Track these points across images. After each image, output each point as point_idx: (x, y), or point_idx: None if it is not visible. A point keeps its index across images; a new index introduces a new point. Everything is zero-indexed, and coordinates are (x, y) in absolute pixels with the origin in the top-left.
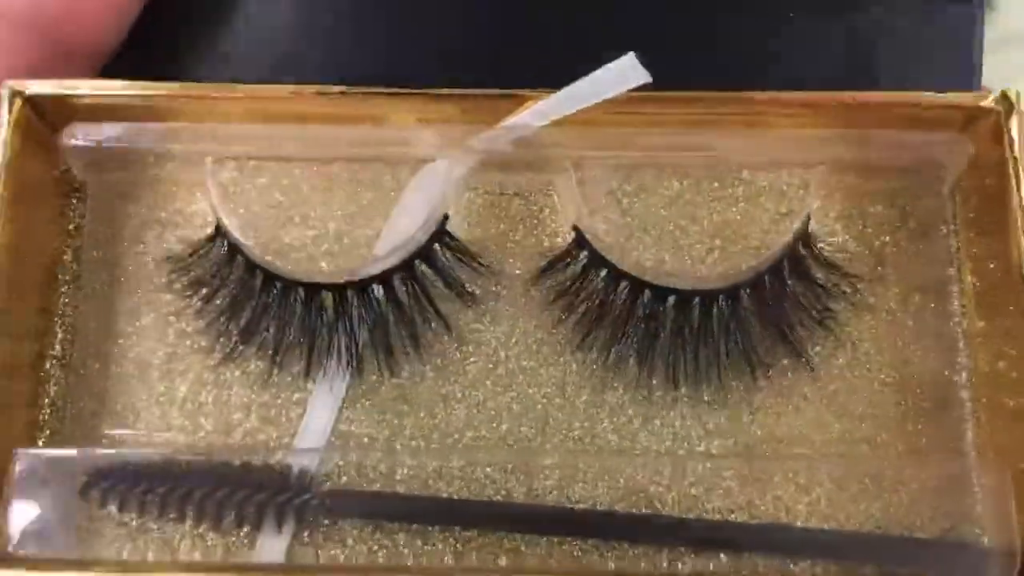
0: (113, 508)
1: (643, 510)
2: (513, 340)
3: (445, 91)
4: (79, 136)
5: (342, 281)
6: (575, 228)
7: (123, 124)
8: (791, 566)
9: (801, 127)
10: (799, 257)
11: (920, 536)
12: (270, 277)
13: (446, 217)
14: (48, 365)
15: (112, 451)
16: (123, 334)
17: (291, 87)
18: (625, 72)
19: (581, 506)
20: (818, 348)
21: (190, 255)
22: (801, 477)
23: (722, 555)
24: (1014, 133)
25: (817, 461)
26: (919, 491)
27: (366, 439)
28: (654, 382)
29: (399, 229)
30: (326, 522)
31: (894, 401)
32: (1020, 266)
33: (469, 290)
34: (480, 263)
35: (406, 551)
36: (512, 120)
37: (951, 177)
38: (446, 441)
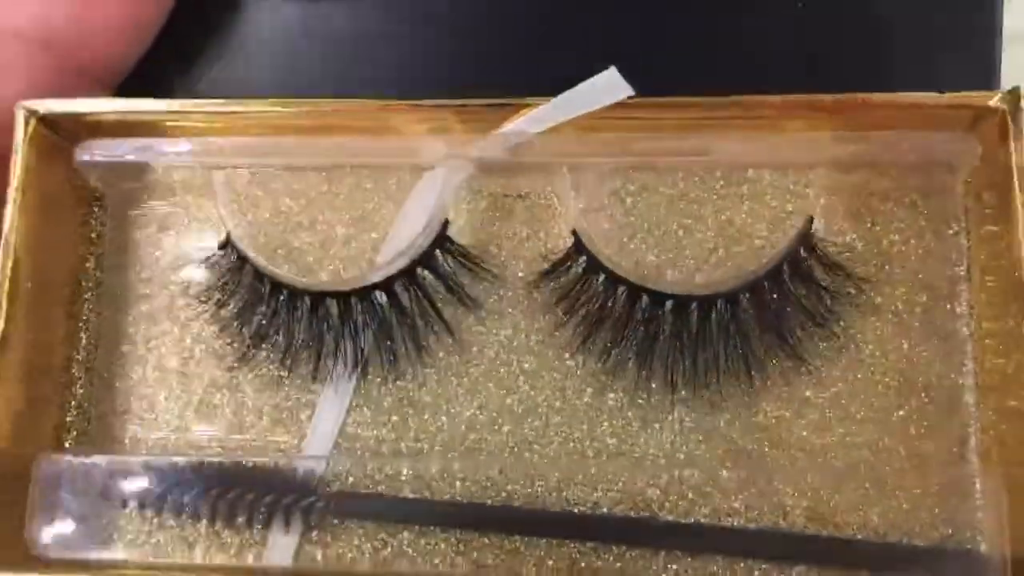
0: (133, 509)
1: (641, 513)
2: (515, 343)
3: (444, 101)
4: (93, 152)
5: (346, 289)
6: (574, 233)
7: (136, 140)
8: (787, 571)
9: (808, 128)
10: (800, 259)
11: (917, 543)
12: (277, 285)
13: (447, 223)
14: (74, 369)
15: (133, 458)
16: (142, 339)
17: (294, 101)
18: (608, 86)
19: (580, 509)
20: (820, 350)
21: (202, 263)
22: (800, 482)
23: (719, 559)
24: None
25: (816, 466)
26: (920, 496)
27: (372, 441)
28: (653, 385)
29: (401, 236)
30: (335, 521)
31: (897, 404)
32: (1021, 266)
33: (471, 294)
34: (482, 267)
35: (410, 551)
36: (506, 128)
37: (961, 176)
38: (449, 443)
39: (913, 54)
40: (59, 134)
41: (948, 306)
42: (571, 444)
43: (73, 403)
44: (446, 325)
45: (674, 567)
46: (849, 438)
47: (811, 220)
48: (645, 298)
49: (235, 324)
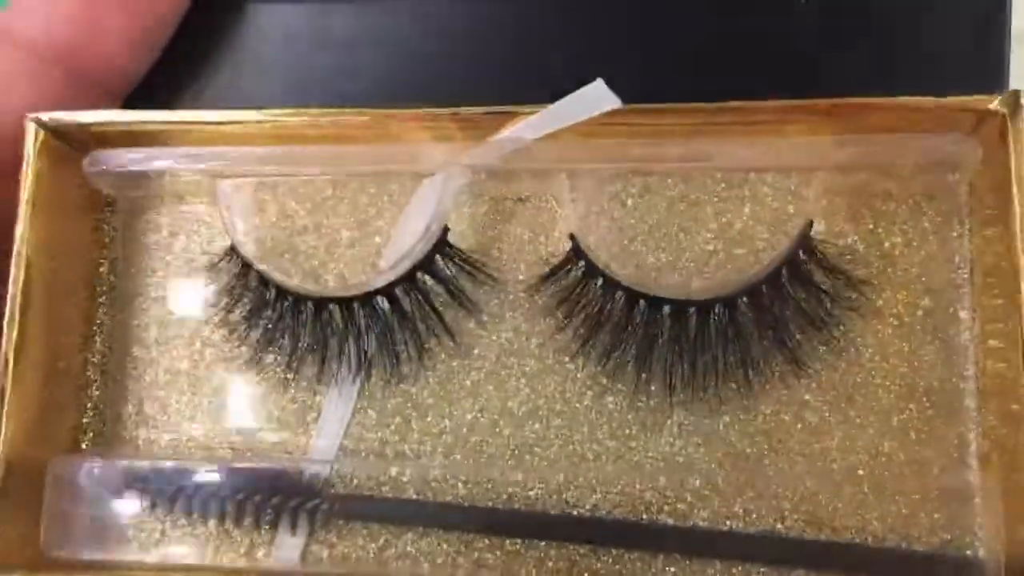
0: (146, 511)
1: (640, 516)
2: (515, 347)
3: (444, 109)
4: (102, 162)
5: (349, 294)
6: (572, 237)
7: (143, 149)
8: (785, 575)
9: (810, 132)
10: (799, 263)
11: (916, 548)
12: (282, 291)
13: (447, 228)
14: (89, 371)
15: (145, 461)
16: (154, 342)
17: (297, 111)
18: (596, 97)
19: (580, 511)
20: (820, 354)
21: (210, 268)
22: (799, 486)
23: (717, 563)
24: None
25: (815, 470)
26: (919, 501)
27: (376, 443)
28: (652, 389)
29: (402, 242)
30: (340, 521)
31: (897, 409)
32: (1017, 268)
33: (472, 298)
34: (482, 271)
35: (412, 551)
36: (500, 135)
37: (964, 178)
38: (451, 446)
39: (921, 55)
40: (68, 144)
41: (951, 310)
42: (571, 447)
43: (89, 405)
44: (447, 329)
45: (672, 570)
46: (848, 442)
47: (810, 223)
48: (643, 302)
49: (242, 328)
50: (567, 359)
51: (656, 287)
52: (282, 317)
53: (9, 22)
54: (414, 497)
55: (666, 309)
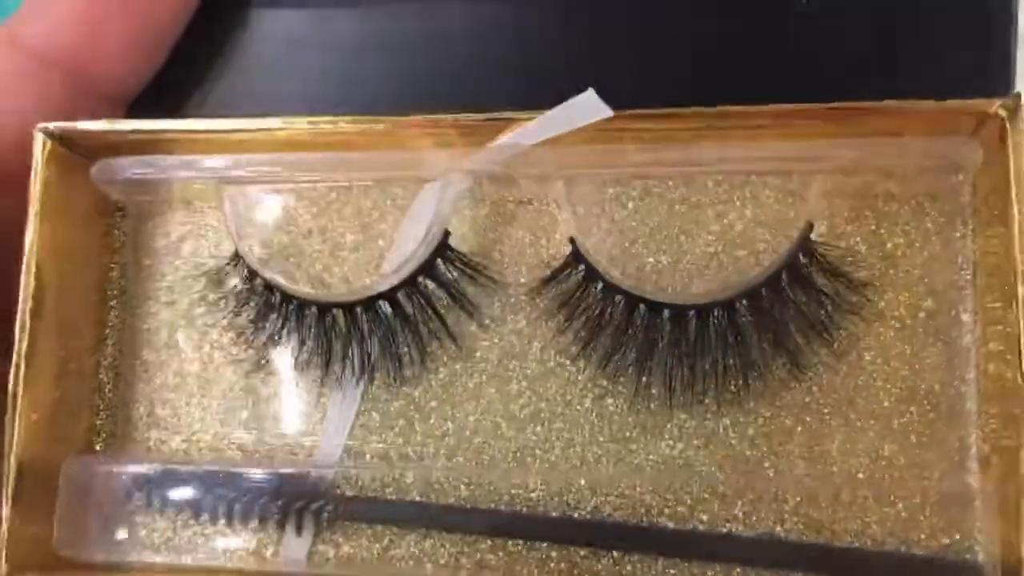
0: (156, 512)
1: (640, 519)
2: (517, 349)
3: (444, 116)
4: (109, 171)
5: (352, 299)
6: (571, 241)
7: (150, 157)
8: None
9: (812, 135)
10: (799, 265)
11: (916, 552)
12: (286, 296)
13: (447, 233)
14: (102, 374)
15: (157, 463)
16: (164, 345)
17: (299, 119)
18: (587, 107)
19: (580, 514)
20: (821, 357)
21: (217, 273)
22: (799, 489)
23: (717, 566)
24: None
25: (815, 473)
26: (919, 505)
27: (379, 446)
28: (653, 392)
29: (403, 247)
30: (345, 523)
31: (898, 412)
32: (1015, 271)
33: (473, 301)
34: (483, 275)
35: (416, 551)
36: (499, 142)
37: (967, 180)
38: (454, 448)
39: (925, 55)
40: (76, 152)
41: (953, 312)
42: (572, 449)
43: (102, 407)
44: (449, 332)
45: (672, 572)
46: (848, 445)
47: (811, 226)
48: (643, 306)
49: (250, 332)
50: (568, 362)
51: (656, 290)
52: (287, 321)
53: (12, 27)
54: (417, 499)
55: (666, 313)
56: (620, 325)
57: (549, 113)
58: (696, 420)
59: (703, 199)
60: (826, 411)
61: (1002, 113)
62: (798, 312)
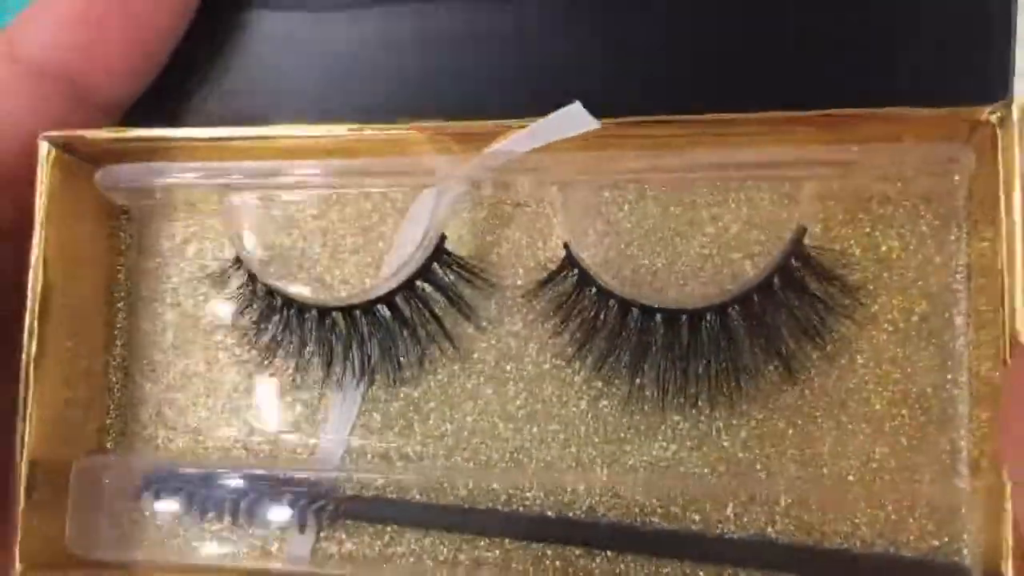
0: (163, 510)
1: (634, 519)
2: (514, 351)
3: (443, 123)
4: (112, 176)
5: (351, 303)
6: (566, 246)
7: (152, 164)
8: None
9: (807, 140)
10: (791, 269)
11: (905, 554)
12: (287, 300)
13: (443, 237)
14: (111, 374)
15: (165, 462)
16: (171, 346)
17: (300, 126)
18: (574, 118)
19: (575, 514)
20: (813, 360)
21: (220, 275)
22: (790, 491)
23: (709, 567)
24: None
25: (806, 475)
26: (909, 508)
27: (380, 446)
28: (647, 394)
29: (401, 251)
30: (347, 521)
31: (890, 415)
32: (1003, 274)
33: (470, 304)
34: (480, 277)
35: (415, 548)
36: (492, 148)
37: (962, 184)
38: (452, 448)
39: (924, 57)
40: (80, 158)
41: (946, 315)
42: (567, 450)
43: (112, 406)
44: (447, 334)
45: (666, 570)
46: (840, 448)
47: (804, 229)
48: (636, 310)
49: (253, 333)
50: (564, 364)
51: (650, 293)
52: (288, 323)
53: (9, 32)
54: (417, 498)
55: (659, 316)
56: (614, 328)
57: (538, 123)
58: (689, 422)
59: (698, 201)
60: (818, 414)
61: (993, 120)
62: (791, 316)
